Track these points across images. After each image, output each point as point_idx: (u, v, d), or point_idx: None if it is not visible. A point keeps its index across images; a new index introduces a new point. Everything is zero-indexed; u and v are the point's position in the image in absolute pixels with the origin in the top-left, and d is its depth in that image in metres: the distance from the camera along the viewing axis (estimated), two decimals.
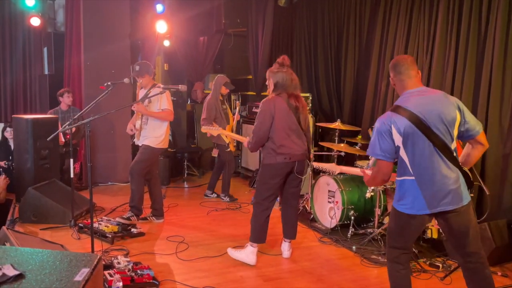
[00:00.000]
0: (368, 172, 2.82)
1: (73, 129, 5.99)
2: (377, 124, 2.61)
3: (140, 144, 4.74)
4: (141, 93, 4.75)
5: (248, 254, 3.77)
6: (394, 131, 2.52)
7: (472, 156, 2.66)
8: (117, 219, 4.57)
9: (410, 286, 2.74)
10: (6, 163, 6.00)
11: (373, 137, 2.61)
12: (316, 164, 3.76)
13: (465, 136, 2.61)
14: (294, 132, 3.68)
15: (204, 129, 4.35)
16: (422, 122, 2.49)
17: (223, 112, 5.67)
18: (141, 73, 4.62)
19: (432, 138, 2.49)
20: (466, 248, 2.59)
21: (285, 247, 3.99)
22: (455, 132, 2.55)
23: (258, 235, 3.78)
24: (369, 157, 4.41)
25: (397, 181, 2.66)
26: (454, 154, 2.54)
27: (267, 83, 3.79)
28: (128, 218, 4.65)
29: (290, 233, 3.98)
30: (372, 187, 4.42)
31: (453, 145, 2.55)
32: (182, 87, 4.40)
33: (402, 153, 2.55)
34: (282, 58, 3.73)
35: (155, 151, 4.64)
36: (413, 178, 2.55)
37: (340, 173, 5.12)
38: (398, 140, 2.53)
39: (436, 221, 2.79)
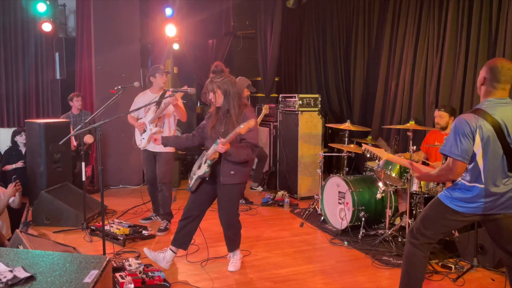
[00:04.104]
0: (425, 169, 2.80)
1: (86, 135, 6.05)
2: (459, 124, 2.53)
3: (157, 151, 4.61)
4: (147, 97, 4.70)
5: (239, 258, 3.81)
6: (478, 136, 2.49)
7: None
8: (157, 233, 4.53)
9: (424, 276, 2.73)
10: (22, 161, 6.06)
11: (452, 136, 2.55)
12: (365, 146, 3.66)
13: None
14: None
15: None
16: (502, 131, 2.48)
17: None
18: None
19: (505, 147, 2.49)
20: None
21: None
22: None
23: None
24: (378, 159, 4.35)
25: (464, 185, 2.61)
26: None
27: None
28: (165, 228, 4.64)
29: None
30: (383, 188, 4.39)
31: None
32: (191, 90, 4.42)
33: (479, 159, 2.52)
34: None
35: (174, 154, 4.83)
36: (483, 186, 2.54)
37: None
38: (478, 145, 2.50)
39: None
